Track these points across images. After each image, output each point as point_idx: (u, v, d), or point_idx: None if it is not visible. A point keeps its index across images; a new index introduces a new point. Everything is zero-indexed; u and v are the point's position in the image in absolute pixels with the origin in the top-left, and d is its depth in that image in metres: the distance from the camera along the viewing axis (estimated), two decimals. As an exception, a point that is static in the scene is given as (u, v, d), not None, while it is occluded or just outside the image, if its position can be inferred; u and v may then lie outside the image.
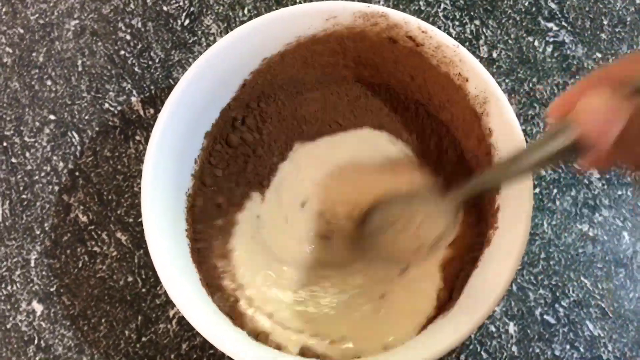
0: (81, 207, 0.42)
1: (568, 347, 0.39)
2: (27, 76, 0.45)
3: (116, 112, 0.44)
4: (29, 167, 0.43)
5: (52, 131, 0.44)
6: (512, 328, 0.40)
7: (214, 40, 0.45)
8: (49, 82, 0.45)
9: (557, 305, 0.40)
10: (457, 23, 0.45)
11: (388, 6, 0.45)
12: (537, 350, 0.39)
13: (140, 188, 0.34)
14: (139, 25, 0.46)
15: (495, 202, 0.35)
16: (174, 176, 0.36)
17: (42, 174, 0.43)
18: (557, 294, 0.40)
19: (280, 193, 0.39)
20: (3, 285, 0.42)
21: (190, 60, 0.45)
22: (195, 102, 0.36)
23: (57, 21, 0.46)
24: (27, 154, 0.44)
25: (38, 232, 0.42)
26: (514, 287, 0.40)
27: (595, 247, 0.41)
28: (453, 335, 0.31)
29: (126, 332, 0.40)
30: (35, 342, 0.40)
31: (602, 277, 0.40)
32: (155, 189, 0.34)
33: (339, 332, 0.36)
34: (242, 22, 0.36)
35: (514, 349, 0.39)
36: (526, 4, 0.46)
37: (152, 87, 0.44)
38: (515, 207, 0.33)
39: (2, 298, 0.41)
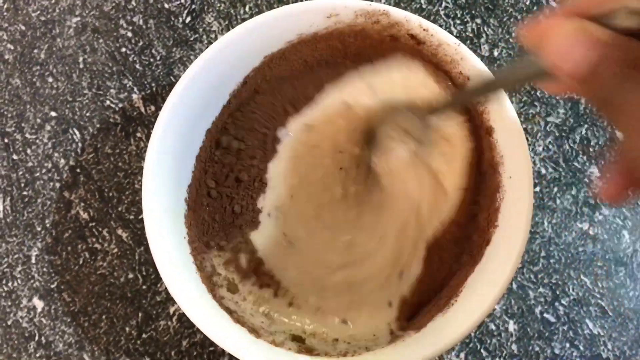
0: (82, 204, 0.42)
1: (568, 345, 0.39)
2: (29, 73, 0.45)
3: (117, 109, 0.44)
4: (30, 164, 0.43)
5: (53, 128, 0.44)
6: (512, 326, 0.40)
7: (215, 38, 0.45)
8: (50, 79, 0.45)
9: (557, 304, 0.40)
10: (458, 21, 0.45)
11: (389, 4, 0.45)
12: (537, 349, 0.39)
13: (141, 185, 0.34)
14: (141, 22, 0.46)
15: (496, 200, 0.35)
16: (174, 173, 0.36)
17: (43, 170, 0.43)
18: (557, 293, 0.40)
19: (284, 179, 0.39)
20: (4, 282, 0.42)
21: (192, 57, 0.45)
22: (197, 99, 0.36)
23: (59, 18, 0.46)
24: (29, 151, 0.44)
25: (39, 229, 0.42)
26: (514, 286, 0.40)
27: (596, 246, 0.41)
28: (453, 333, 0.31)
29: (127, 329, 0.40)
30: (36, 338, 0.41)
31: (602, 275, 0.40)
32: (156, 186, 0.34)
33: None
34: (244, 20, 0.36)
35: (514, 347, 0.39)
36: (527, 2, 0.46)
37: (153, 85, 0.44)
38: (515, 205, 0.33)
39: (3, 294, 0.41)
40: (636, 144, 0.21)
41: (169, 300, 0.40)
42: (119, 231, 0.42)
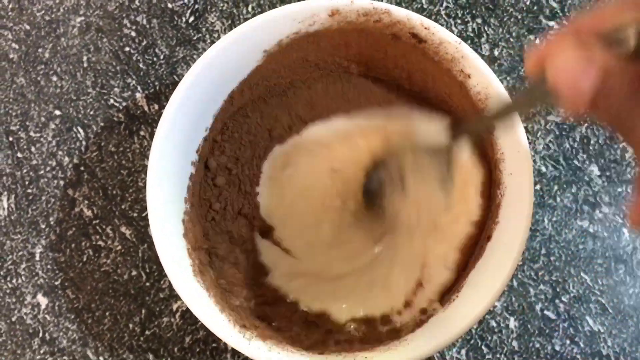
0: (86, 202, 0.43)
1: (568, 342, 0.40)
2: (33, 72, 0.45)
3: (121, 107, 0.44)
4: (34, 162, 0.44)
5: (58, 126, 0.44)
6: (512, 323, 0.40)
7: (218, 37, 0.45)
8: (54, 78, 0.45)
9: (557, 301, 0.40)
10: (459, 21, 0.46)
11: (391, 3, 0.46)
12: (538, 345, 0.40)
13: (144, 183, 0.34)
14: (144, 22, 0.46)
15: (496, 197, 0.35)
16: (178, 171, 0.36)
17: (48, 168, 0.44)
18: (558, 290, 0.40)
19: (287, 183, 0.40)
20: (8, 279, 0.42)
21: (195, 56, 0.45)
22: (200, 98, 0.36)
23: (63, 18, 0.46)
24: (33, 149, 0.44)
25: (43, 226, 0.43)
26: (515, 283, 0.41)
27: (596, 244, 0.41)
28: (453, 329, 0.32)
29: (130, 326, 0.41)
30: (40, 334, 0.41)
31: (602, 273, 0.41)
32: (160, 183, 0.34)
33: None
34: (246, 19, 0.36)
35: (515, 343, 0.40)
36: (528, 2, 0.46)
37: (156, 83, 0.45)
38: (516, 203, 0.33)
39: (8, 291, 0.42)
40: None
41: (172, 297, 0.41)
42: (123, 228, 0.42)
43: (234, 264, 0.38)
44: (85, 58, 0.46)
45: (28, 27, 0.47)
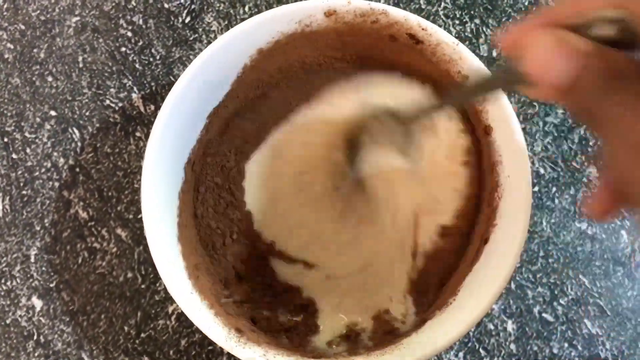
0: (81, 203, 0.42)
1: (566, 345, 0.39)
2: (28, 72, 0.45)
3: (117, 108, 0.44)
4: (29, 163, 0.43)
5: (53, 127, 0.44)
6: (510, 326, 0.40)
7: (215, 38, 0.45)
8: (49, 78, 0.45)
9: (555, 303, 0.40)
10: (457, 22, 0.45)
11: (388, 4, 0.45)
12: (535, 348, 0.39)
13: (140, 184, 0.34)
14: (140, 22, 0.46)
15: (494, 200, 0.35)
16: (174, 173, 0.36)
17: (43, 170, 0.43)
18: (556, 292, 0.40)
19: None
20: (3, 281, 0.42)
21: (191, 57, 0.45)
22: (196, 98, 0.36)
23: (58, 18, 0.46)
24: (28, 150, 0.44)
25: (38, 228, 0.42)
26: (513, 285, 0.40)
27: (594, 246, 0.41)
28: (451, 331, 0.31)
29: (125, 328, 0.40)
30: (35, 337, 0.41)
31: (601, 275, 0.41)
32: (155, 185, 0.34)
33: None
34: (243, 20, 0.36)
35: (512, 346, 0.39)
36: (526, 3, 0.46)
37: (152, 84, 0.45)
38: (514, 204, 0.33)
39: (2, 293, 0.41)
40: (621, 157, 0.20)
41: (168, 299, 0.41)
42: (118, 230, 0.42)
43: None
44: (80, 58, 0.45)
45: (23, 27, 0.46)
